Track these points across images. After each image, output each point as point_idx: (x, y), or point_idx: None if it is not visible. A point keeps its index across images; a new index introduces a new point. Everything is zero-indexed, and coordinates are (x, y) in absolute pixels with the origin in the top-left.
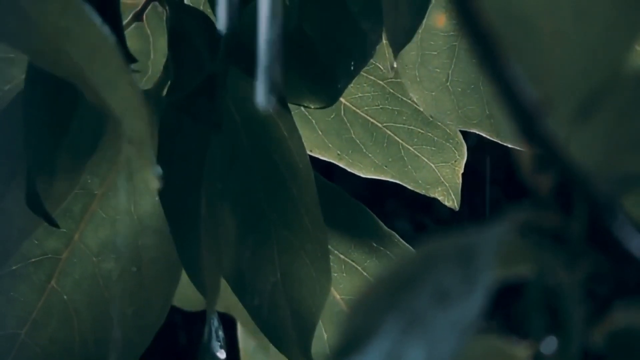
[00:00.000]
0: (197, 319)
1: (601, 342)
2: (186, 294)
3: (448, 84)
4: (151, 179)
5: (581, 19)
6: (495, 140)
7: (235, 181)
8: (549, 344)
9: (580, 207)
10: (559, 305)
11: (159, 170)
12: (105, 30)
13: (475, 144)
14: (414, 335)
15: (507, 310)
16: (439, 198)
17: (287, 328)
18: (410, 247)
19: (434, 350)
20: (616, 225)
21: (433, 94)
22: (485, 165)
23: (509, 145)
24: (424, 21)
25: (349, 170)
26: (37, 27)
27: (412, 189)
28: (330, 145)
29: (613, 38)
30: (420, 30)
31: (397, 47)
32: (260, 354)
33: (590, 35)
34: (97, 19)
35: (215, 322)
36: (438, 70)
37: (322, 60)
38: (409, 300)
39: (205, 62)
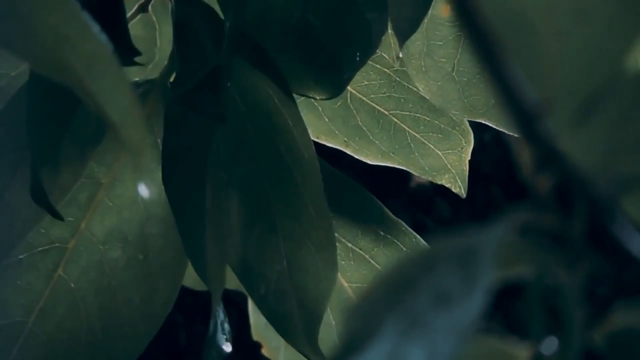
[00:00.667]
0: (197, 319)
1: (601, 343)
2: (193, 275)
3: (454, 73)
4: (150, 183)
5: (581, 19)
6: (500, 129)
7: (240, 171)
8: (549, 345)
9: (580, 207)
10: (559, 305)
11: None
12: (104, 38)
13: (475, 144)
14: (415, 336)
15: (507, 310)
16: (446, 185)
17: (293, 317)
18: (417, 235)
19: (435, 351)
20: (616, 226)
21: (439, 83)
22: (486, 165)
23: (512, 136)
24: (430, 11)
25: (355, 157)
26: (37, 34)
27: (419, 175)
28: (336, 132)
29: (613, 38)
30: (425, 20)
31: (403, 37)
32: (271, 330)
33: (591, 35)
34: (95, 27)
35: (220, 315)
36: (444, 60)
37: (327, 51)
38: (409, 301)
39: (210, 54)
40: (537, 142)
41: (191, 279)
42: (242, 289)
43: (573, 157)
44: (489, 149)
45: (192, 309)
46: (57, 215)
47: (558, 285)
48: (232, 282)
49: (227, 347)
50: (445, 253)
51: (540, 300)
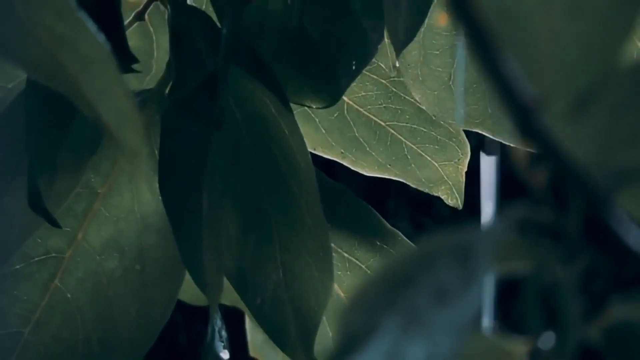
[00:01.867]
0: (198, 319)
1: (598, 337)
2: (191, 289)
3: (450, 83)
4: (147, 193)
5: (575, 14)
6: (496, 139)
7: (236, 179)
8: (547, 340)
9: (576, 202)
10: (557, 301)
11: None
12: (101, 38)
13: (475, 143)
14: (413, 333)
15: (504, 306)
16: (442, 197)
17: (290, 327)
18: (414, 246)
19: (434, 348)
20: (612, 220)
21: (435, 93)
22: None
23: (509, 144)
24: (426, 20)
25: (352, 168)
26: (33, 36)
27: (415, 187)
28: (333, 143)
29: (607, 33)
30: (422, 29)
31: (399, 46)
32: (268, 347)
33: (585, 30)
34: (92, 27)
35: (218, 322)
36: (440, 69)
37: (323, 60)
38: (407, 298)
39: (206, 61)
40: (533, 137)
41: (188, 293)
42: (239, 305)
43: (569, 152)
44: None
45: (193, 309)
46: (54, 223)
47: (555, 280)
48: (228, 297)
49: (225, 355)
50: (443, 250)
51: (537, 295)
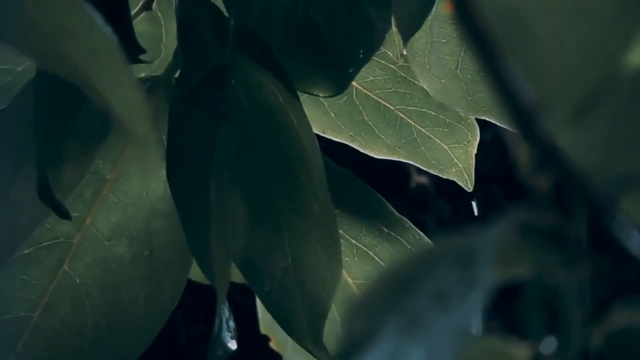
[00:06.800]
0: (198, 319)
1: (600, 342)
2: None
3: (458, 71)
4: (155, 179)
5: (579, 18)
6: (504, 127)
7: (244, 168)
8: (549, 344)
9: (579, 206)
10: (559, 305)
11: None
12: (108, 30)
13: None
14: (415, 336)
15: (507, 310)
16: (453, 179)
17: (298, 314)
18: (420, 232)
19: (435, 351)
20: (615, 225)
21: (443, 81)
22: (486, 165)
23: (512, 135)
24: (433, 8)
25: (362, 151)
26: (40, 29)
27: (425, 169)
28: (342, 127)
29: (610, 37)
30: (429, 18)
31: (407, 34)
32: None
33: (588, 34)
34: (99, 19)
35: (225, 313)
36: (447, 57)
37: (330, 48)
38: (409, 301)
39: (213, 52)
40: (535, 140)
41: (198, 273)
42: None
43: (571, 156)
44: (489, 149)
45: (193, 308)
46: (63, 214)
47: (557, 284)
48: (239, 275)
49: (232, 345)
50: (445, 253)
51: (539, 299)
